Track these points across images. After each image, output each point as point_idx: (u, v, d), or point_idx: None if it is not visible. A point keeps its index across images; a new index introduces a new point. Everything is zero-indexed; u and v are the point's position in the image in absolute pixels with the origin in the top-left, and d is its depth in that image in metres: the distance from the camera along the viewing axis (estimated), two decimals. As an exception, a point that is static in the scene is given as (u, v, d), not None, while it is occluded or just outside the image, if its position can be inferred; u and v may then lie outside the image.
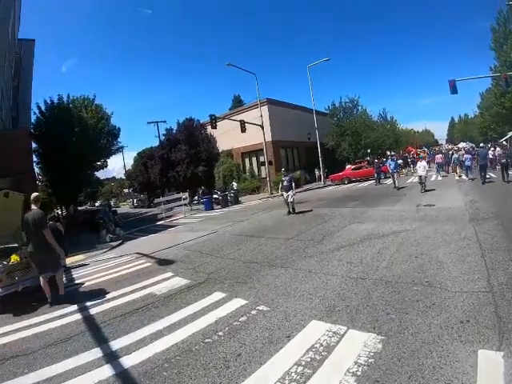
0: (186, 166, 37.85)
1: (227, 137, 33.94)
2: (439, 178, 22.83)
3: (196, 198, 34.56)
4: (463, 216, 9.38)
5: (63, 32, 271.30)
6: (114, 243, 15.49)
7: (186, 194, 28.33)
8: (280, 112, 34.30)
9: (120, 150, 34.14)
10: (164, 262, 8.91)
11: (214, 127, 26.39)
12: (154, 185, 43.00)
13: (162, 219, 23.36)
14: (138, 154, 53.71)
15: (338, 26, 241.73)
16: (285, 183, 14.28)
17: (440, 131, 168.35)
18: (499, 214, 9.05)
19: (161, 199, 26.04)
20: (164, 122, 51.31)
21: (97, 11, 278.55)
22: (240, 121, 27.65)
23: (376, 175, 23.98)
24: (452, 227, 8.10)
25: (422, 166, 16.48)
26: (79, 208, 54.03)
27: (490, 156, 20.83)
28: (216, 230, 13.41)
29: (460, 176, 21.14)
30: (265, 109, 32.27)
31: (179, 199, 26.36)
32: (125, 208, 63.05)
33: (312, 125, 31.58)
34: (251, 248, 9.04)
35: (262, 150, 30.00)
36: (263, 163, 31.18)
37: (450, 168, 24.88)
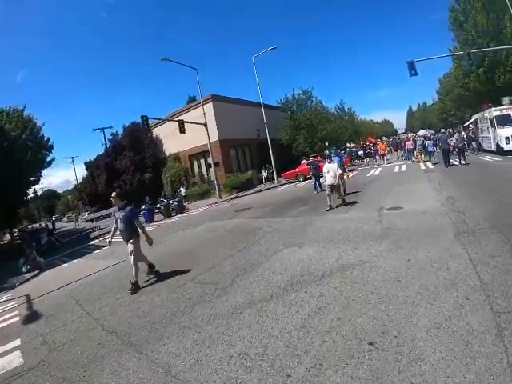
0: (132, 173, 35.07)
1: (174, 139, 30.72)
2: (403, 169, 20.04)
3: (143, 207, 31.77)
4: (445, 226, 6.42)
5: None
6: (28, 275, 13.47)
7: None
8: (227, 108, 30.87)
9: (52, 162, 31.09)
10: (30, 318, 7.13)
11: (147, 129, 23.40)
12: (103, 196, 39.55)
13: (95, 238, 20.80)
14: (84, 163, 49.49)
15: (286, 16, 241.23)
16: (119, 224, 6.96)
17: (399, 121, 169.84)
18: (494, 221, 6.12)
19: (92, 215, 22.71)
20: (110, 127, 46.94)
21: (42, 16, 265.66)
22: (178, 121, 24.38)
23: (313, 178, 16.94)
24: (432, 252, 5.10)
25: (331, 169, 10.72)
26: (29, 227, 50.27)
27: (454, 142, 20.08)
28: (123, 260, 10.66)
29: (425, 162, 20.39)
30: (209, 106, 29.07)
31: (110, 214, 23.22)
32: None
33: (263, 120, 28.79)
34: (132, 298, 6.40)
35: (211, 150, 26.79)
36: (210, 165, 27.94)
37: (416, 154, 23.97)
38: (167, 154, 34.85)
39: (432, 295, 3.74)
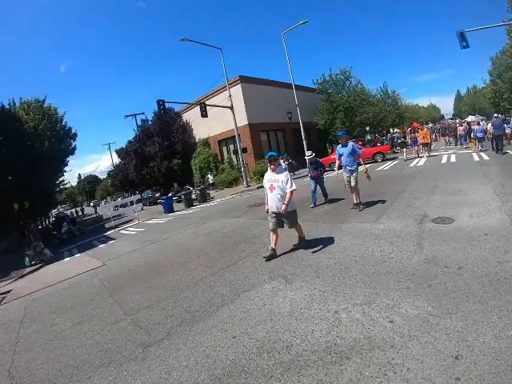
0: (160, 159, 33.95)
1: (204, 124, 29.31)
2: (452, 159, 16.55)
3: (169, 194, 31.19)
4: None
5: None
6: (28, 269, 12.52)
7: (138, 196, 24.03)
8: (257, 90, 28.52)
9: (74, 151, 31.04)
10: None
11: (164, 112, 22.86)
12: (134, 182, 38.84)
13: (111, 228, 19.52)
14: (115, 151, 48.52)
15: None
16: None
17: (446, 106, 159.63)
18: None
19: (108, 204, 21.59)
20: (142, 113, 46.12)
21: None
22: (200, 104, 22.52)
23: (311, 183, 10.78)
24: (503, 338, 2.51)
25: (275, 183, 5.95)
26: (66, 212, 51.46)
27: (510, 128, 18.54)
28: (105, 263, 9.76)
29: (478, 151, 18.33)
30: (238, 88, 27.03)
31: (132, 202, 22.07)
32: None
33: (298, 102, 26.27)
34: (57, 332, 5.04)
35: (240, 135, 24.88)
36: (236, 151, 25.87)
37: (468, 142, 22.92)
38: (197, 139, 33.47)
39: None
